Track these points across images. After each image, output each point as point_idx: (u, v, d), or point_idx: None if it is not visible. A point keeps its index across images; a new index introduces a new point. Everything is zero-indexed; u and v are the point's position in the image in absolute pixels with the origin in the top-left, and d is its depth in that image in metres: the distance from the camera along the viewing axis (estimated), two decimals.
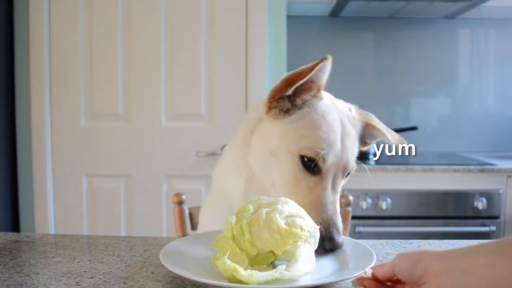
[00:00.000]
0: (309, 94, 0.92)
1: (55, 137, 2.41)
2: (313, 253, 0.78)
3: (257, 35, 2.37)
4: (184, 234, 1.47)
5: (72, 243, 1.01)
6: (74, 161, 2.42)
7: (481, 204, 2.44)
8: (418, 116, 3.11)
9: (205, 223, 1.13)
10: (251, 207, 0.79)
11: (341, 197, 1.50)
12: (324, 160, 0.88)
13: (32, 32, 2.35)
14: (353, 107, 1.00)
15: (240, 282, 0.70)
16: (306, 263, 0.74)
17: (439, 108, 3.14)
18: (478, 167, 2.48)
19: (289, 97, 0.92)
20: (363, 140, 1.00)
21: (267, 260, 0.77)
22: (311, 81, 0.89)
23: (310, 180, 0.89)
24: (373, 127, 0.99)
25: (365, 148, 1.02)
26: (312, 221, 0.80)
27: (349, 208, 1.49)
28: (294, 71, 0.90)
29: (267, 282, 0.71)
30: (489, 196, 2.46)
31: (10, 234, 1.09)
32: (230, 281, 0.71)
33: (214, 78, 2.39)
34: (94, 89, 2.40)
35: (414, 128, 2.94)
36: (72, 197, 2.43)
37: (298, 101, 0.92)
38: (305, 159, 0.88)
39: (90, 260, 0.89)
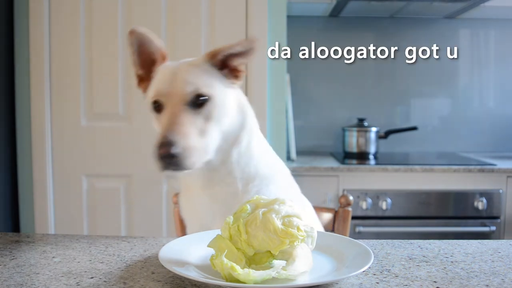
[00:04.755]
0: (157, 64, 1.07)
1: (55, 137, 2.41)
2: (311, 252, 0.78)
3: (257, 35, 2.37)
4: (183, 234, 1.47)
5: (72, 243, 1.01)
6: (74, 161, 2.42)
7: (481, 204, 2.44)
8: (418, 116, 3.11)
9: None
10: (248, 207, 0.79)
11: (341, 197, 1.51)
12: (159, 97, 1.01)
13: (32, 32, 2.35)
14: None
15: (237, 281, 0.70)
16: (303, 262, 0.74)
17: (439, 108, 3.14)
18: (478, 167, 2.48)
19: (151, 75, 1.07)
20: (229, 70, 1.06)
21: (264, 259, 0.77)
22: (150, 53, 1.06)
23: (159, 119, 1.01)
24: (215, 52, 1.04)
25: (240, 74, 1.07)
26: (309, 220, 0.80)
27: (349, 208, 1.49)
28: None
29: (264, 281, 0.71)
30: (489, 196, 2.46)
31: (10, 234, 1.09)
32: (227, 280, 0.71)
33: None
34: (94, 89, 2.40)
35: (414, 128, 2.94)
36: (72, 197, 2.43)
37: (153, 74, 1.07)
38: (154, 106, 1.03)
39: (90, 260, 0.89)
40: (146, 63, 1.08)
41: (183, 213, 1.18)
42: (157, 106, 1.02)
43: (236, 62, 1.05)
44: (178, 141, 0.93)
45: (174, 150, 0.92)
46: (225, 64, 1.05)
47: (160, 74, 1.04)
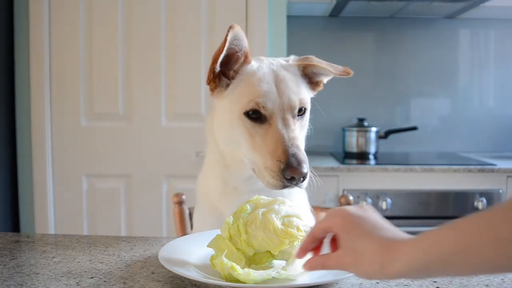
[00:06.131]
0: (238, 63, 0.99)
1: (55, 137, 2.41)
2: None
3: (257, 35, 2.37)
4: (184, 234, 1.47)
5: (72, 243, 1.01)
6: (74, 161, 2.42)
7: (481, 204, 2.44)
8: (418, 116, 3.11)
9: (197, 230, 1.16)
10: (248, 207, 0.79)
11: (341, 197, 1.51)
12: (264, 106, 0.94)
13: (32, 32, 2.35)
14: (291, 57, 1.06)
15: (237, 281, 0.70)
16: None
17: (439, 108, 3.14)
18: (478, 167, 2.48)
19: (224, 74, 0.99)
20: (312, 81, 1.06)
21: (264, 259, 0.77)
22: (235, 51, 0.97)
23: (261, 130, 0.94)
24: (312, 65, 1.03)
25: (319, 89, 1.07)
26: (310, 220, 0.80)
27: None
28: (217, 49, 0.97)
29: (264, 281, 0.71)
30: (489, 196, 2.46)
31: (10, 234, 1.09)
32: (227, 280, 0.71)
33: None
34: (94, 89, 2.40)
35: (414, 128, 2.94)
36: (72, 197, 2.43)
37: (232, 73, 1.00)
38: (250, 113, 0.95)
39: (90, 260, 0.89)
40: (226, 60, 0.99)
41: (207, 212, 1.13)
42: (256, 115, 0.95)
43: (320, 78, 1.06)
44: (306, 160, 0.90)
45: (307, 169, 0.89)
46: (308, 74, 1.05)
47: (257, 80, 0.96)
